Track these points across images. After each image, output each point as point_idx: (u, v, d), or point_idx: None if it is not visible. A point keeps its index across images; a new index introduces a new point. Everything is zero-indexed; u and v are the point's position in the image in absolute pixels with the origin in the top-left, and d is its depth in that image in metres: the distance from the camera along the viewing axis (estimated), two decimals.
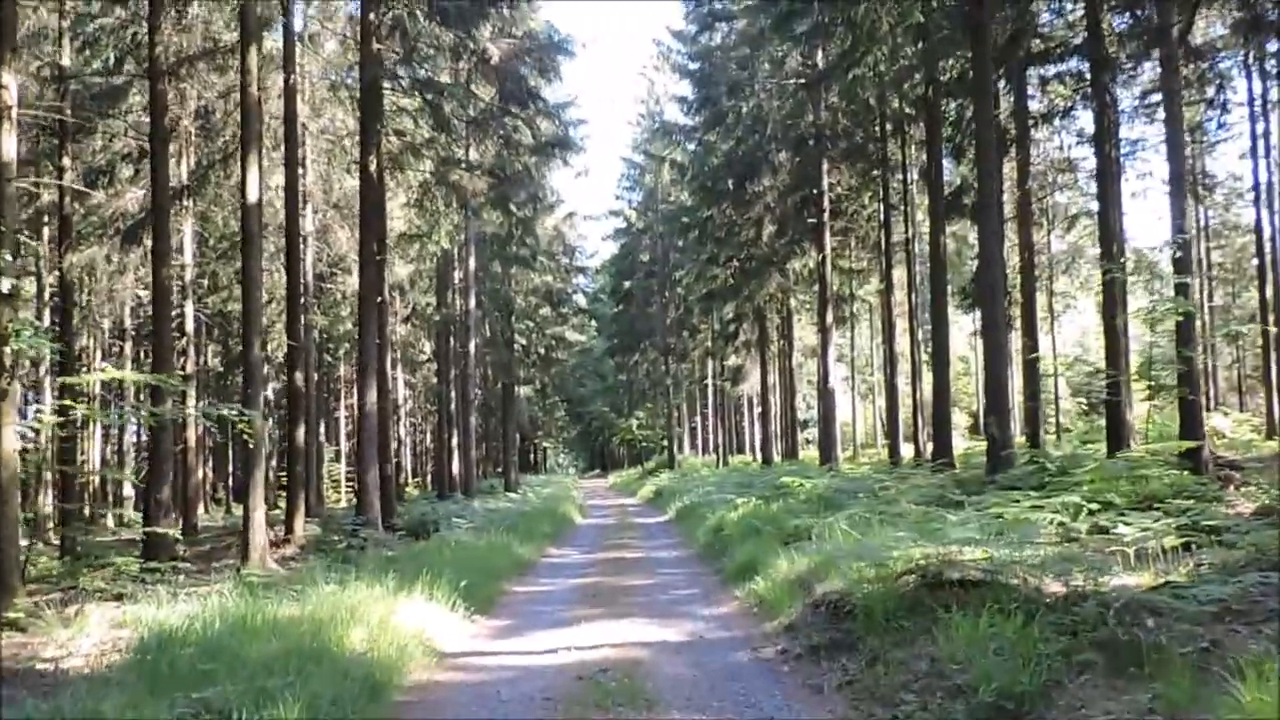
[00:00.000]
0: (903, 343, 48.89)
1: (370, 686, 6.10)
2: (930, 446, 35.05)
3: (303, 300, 27.45)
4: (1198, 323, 22.53)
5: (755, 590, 9.28)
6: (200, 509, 33.06)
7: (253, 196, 13.20)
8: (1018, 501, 9.87)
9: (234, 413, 10.61)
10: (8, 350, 8.86)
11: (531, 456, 74.28)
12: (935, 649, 5.57)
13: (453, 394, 33.36)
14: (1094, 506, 8.78)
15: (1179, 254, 14.63)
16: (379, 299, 21.57)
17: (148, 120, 23.17)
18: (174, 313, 26.05)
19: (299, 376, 18.15)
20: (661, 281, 49.19)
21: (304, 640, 7.02)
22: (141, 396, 22.81)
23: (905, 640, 5.98)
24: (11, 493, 9.06)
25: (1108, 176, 22.66)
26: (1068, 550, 7.28)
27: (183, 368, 25.24)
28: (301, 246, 27.69)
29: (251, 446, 12.96)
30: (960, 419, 61.45)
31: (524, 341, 41.30)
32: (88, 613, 8.51)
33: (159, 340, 14.53)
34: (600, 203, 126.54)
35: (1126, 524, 7.51)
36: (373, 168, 16.45)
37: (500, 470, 44.07)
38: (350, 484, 38.73)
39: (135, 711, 5.08)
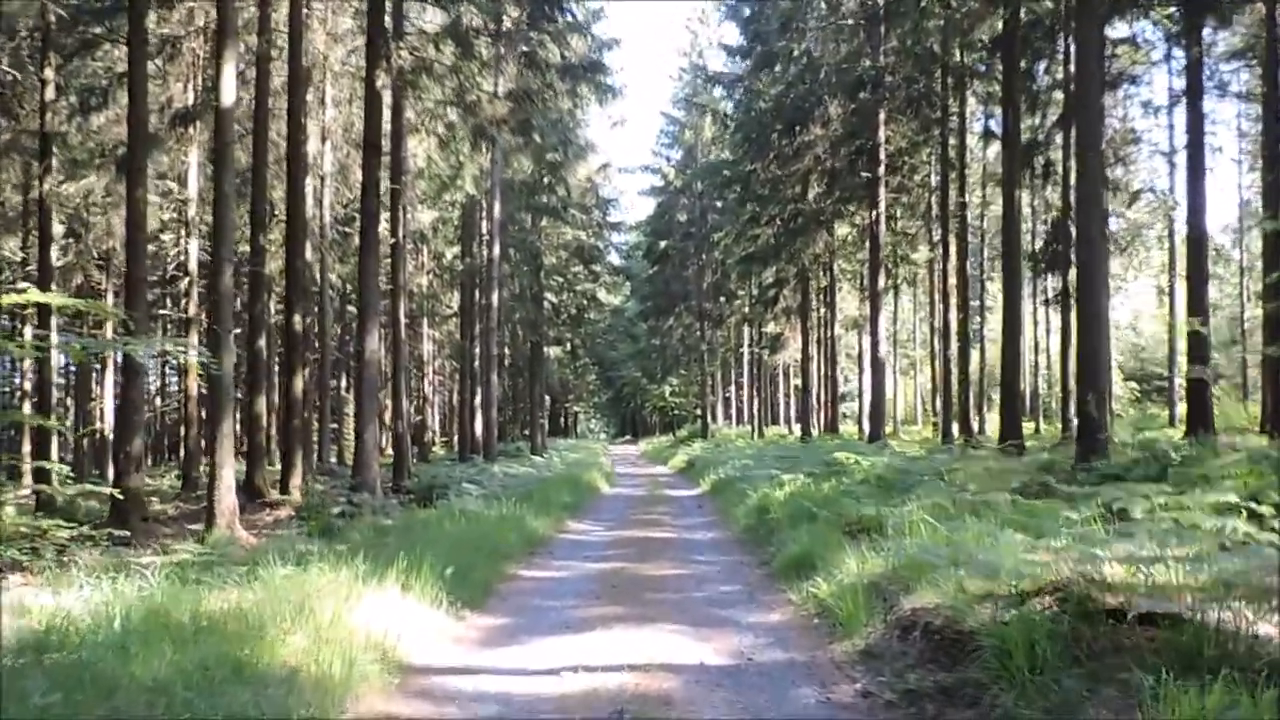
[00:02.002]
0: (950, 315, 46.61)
1: None
2: (979, 424, 32.97)
3: (322, 241, 25.78)
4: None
5: (815, 594, 7.38)
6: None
7: (227, 99, 11.34)
8: (1146, 497, 7.90)
9: (180, 349, 8.72)
10: None
11: (562, 420, 72.91)
12: None
13: (477, 350, 31.59)
14: (1265, 510, 6.78)
15: None
16: (393, 240, 19.81)
17: (152, 41, 21.43)
18: (175, 250, 24.50)
19: (298, 319, 16.38)
20: (699, 243, 47.33)
21: (222, 649, 5.23)
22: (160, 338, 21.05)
23: (1067, 706, 4.04)
24: None
25: (1197, 136, 20.47)
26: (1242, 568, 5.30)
27: (184, 310, 23.65)
28: (318, 184, 26.00)
29: (214, 392, 11.14)
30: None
31: (554, 299, 39.40)
32: None
33: (131, 270, 12.77)
34: (637, 160, 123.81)
35: None
36: (380, 82, 14.51)
37: (527, 433, 42.34)
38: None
39: None
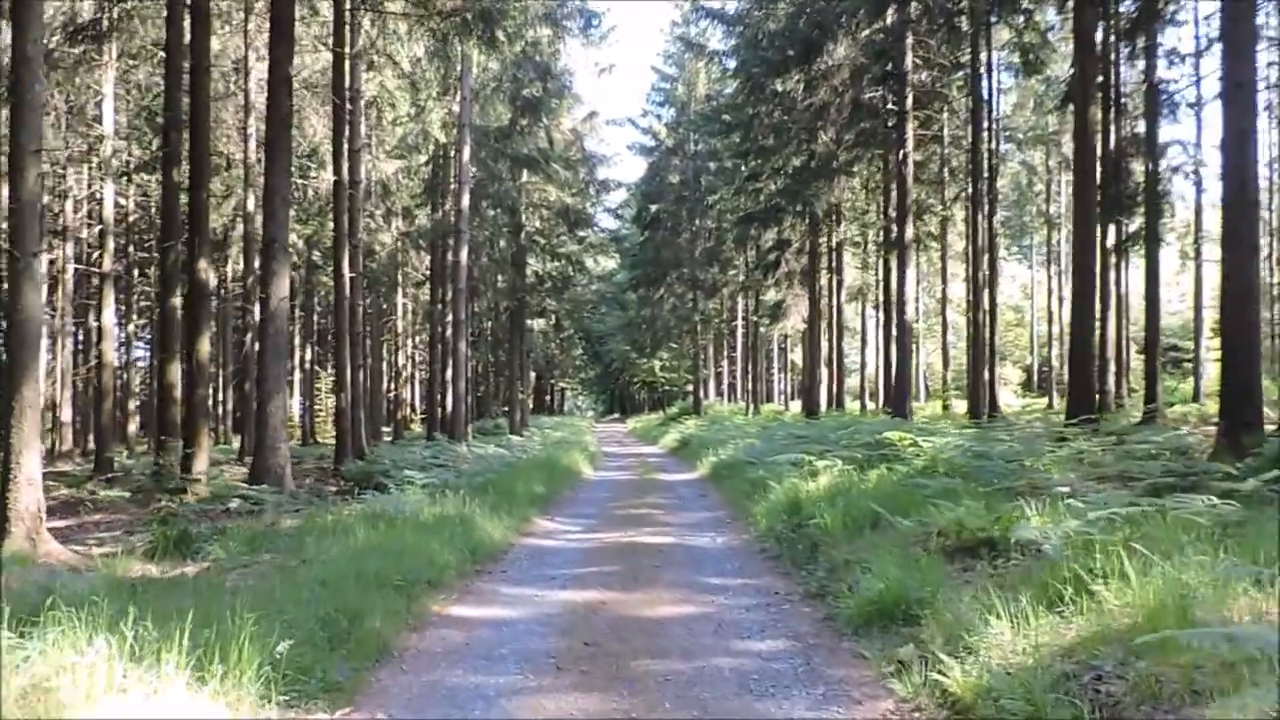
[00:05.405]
0: (954, 287, 43.53)
1: None
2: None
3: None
4: None
5: (942, 684, 4.20)
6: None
7: None
8: None
9: None
10: None
11: (549, 397, 70.10)
12: None
13: (448, 318, 28.28)
14: None
15: None
16: (335, 178, 16.62)
17: None
18: (86, 193, 21.18)
19: (204, 266, 13.08)
20: (692, 207, 44.35)
21: None
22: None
23: None
24: None
25: None
26: None
27: (98, 263, 20.36)
28: (262, 126, 22.62)
29: (10, 344, 7.77)
30: (1012, 374, 56.18)
31: (537, 265, 35.97)
32: None
33: None
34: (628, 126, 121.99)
35: None
36: None
37: (507, 409, 39.04)
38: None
39: None
